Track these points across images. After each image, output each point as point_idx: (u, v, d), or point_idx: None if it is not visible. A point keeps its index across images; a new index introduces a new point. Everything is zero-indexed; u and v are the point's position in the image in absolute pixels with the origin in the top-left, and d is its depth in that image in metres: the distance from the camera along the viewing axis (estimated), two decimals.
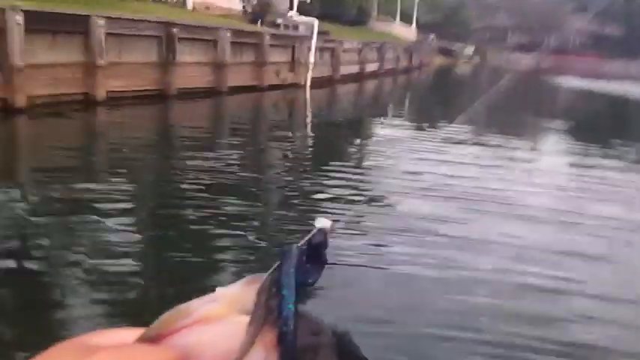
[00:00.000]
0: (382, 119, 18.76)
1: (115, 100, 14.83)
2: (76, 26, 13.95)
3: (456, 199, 8.98)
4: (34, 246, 6.25)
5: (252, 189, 9.11)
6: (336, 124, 17.21)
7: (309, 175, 10.51)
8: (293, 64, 22.86)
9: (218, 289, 0.59)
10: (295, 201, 8.51)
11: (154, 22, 16.58)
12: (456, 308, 5.48)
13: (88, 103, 14.22)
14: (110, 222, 6.90)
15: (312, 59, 23.05)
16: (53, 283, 5.52)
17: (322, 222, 0.61)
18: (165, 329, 0.56)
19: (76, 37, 14.04)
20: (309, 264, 0.58)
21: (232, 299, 0.58)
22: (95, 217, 7.02)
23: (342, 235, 7.40)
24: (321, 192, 9.07)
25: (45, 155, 10.16)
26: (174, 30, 16.98)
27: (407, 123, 17.85)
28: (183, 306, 0.57)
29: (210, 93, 18.48)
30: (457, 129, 15.65)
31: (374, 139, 15.06)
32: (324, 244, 0.59)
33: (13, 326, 4.74)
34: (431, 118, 17.47)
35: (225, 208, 7.62)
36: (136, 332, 0.56)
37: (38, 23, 12.81)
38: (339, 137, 14.93)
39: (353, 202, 8.84)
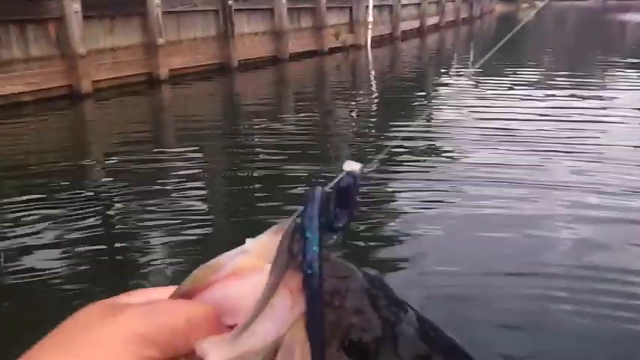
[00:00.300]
0: (447, 71, 18.27)
1: (178, 78, 14.92)
2: (133, 8, 14.02)
3: (527, 144, 8.64)
4: (114, 211, 6.52)
5: (321, 151, 9.00)
6: (400, 81, 16.85)
7: (376, 132, 10.34)
8: (352, 25, 22.48)
9: (248, 241, 0.56)
10: (365, 156, 8.33)
11: None
12: (526, 249, 5.32)
13: (151, 82, 14.36)
14: (186, 188, 7.02)
15: (370, 18, 22.57)
16: (132, 246, 5.68)
17: (351, 165, 0.58)
18: (197, 285, 0.55)
19: (133, 19, 14.15)
20: (337, 208, 0.55)
21: (262, 250, 0.55)
22: (171, 184, 7.20)
23: (415, 183, 7.40)
24: (387, 146, 8.89)
25: (116, 133, 10.33)
26: (230, 2, 16.89)
27: (471, 79, 17.30)
28: (213, 261, 0.56)
29: (271, 62, 18.40)
30: (524, 74, 15.09)
31: (440, 92, 14.67)
32: (353, 188, 0.56)
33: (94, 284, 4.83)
34: (496, 66, 16.82)
35: (294, 169, 7.57)
36: (168, 291, 0.56)
37: (95, 9, 12.93)
38: (405, 94, 14.58)
39: (423, 153, 8.66)
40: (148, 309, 0.53)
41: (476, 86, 14.59)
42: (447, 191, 6.94)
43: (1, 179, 7.81)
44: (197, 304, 0.54)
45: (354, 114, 12.44)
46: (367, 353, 0.54)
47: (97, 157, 9.24)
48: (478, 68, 15.44)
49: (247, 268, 0.56)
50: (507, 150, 8.47)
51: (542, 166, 7.63)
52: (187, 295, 0.55)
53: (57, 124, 11.34)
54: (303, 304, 0.51)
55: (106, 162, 8.69)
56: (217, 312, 0.54)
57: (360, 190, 0.57)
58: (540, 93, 13.08)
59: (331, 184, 0.57)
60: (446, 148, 9.03)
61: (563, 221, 5.82)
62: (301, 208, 0.52)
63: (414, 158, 8.36)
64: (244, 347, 0.51)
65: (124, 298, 0.55)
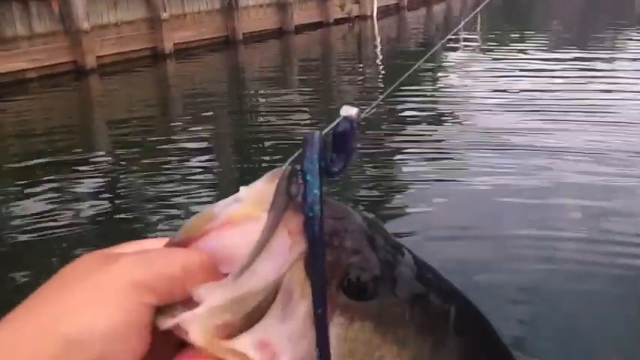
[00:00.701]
0: (453, 45, 18.09)
1: (183, 52, 14.87)
2: None
3: (538, 112, 8.58)
4: (123, 184, 6.55)
5: (326, 116, 8.99)
6: (406, 51, 16.72)
7: (380, 103, 10.28)
8: None
9: (242, 189, 0.56)
10: (369, 122, 8.34)
11: None
12: (540, 212, 5.34)
13: (156, 57, 14.32)
14: (193, 159, 7.07)
15: None
16: (138, 218, 5.73)
17: (347, 110, 0.57)
18: (191, 235, 0.55)
19: None
20: (334, 153, 0.55)
21: (256, 197, 0.55)
22: (177, 156, 7.22)
23: (421, 149, 7.35)
24: (394, 116, 8.88)
25: (122, 108, 10.33)
26: None
27: (480, 42, 17.14)
28: (208, 210, 0.55)
29: (276, 34, 18.25)
30: (534, 43, 14.92)
31: (448, 61, 14.53)
32: (350, 133, 0.56)
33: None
34: (505, 35, 16.68)
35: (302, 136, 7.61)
36: (162, 242, 0.56)
37: None
38: (411, 62, 14.47)
39: (431, 122, 8.63)
40: (143, 257, 0.53)
41: (483, 53, 14.48)
42: (452, 157, 6.95)
43: (7, 155, 7.85)
44: (192, 251, 0.54)
45: (359, 83, 12.38)
46: (366, 292, 0.54)
47: (103, 131, 9.27)
48: (486, 35, 15.30)
49: (241, 216, 0.55)
50: (515, 115, 8.45)
51: (551, 131, 7.57)
52: (181, 245, 0.54)
53: (62, 100, 11.36)
54: (302, 244, 0.51)
55: (112, 136, 8.72)
56: (213, 260, 0.54)
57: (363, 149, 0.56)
58: (549, 59, 12.95)
59: (329, 128, 0.56)
60: (452, 114, 9.01)
61: (573, 186, 5.79)
62: (297, 152, 0.52)
63: (420, 125, 8.35)
64: (244, 288, 0.51)
65: (118, 249, 0.55)
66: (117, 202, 6.14)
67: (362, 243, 0.56)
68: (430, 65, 13.69)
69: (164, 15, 14.32)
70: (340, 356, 0.54)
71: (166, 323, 0.51)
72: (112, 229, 5.47)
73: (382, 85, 12.14)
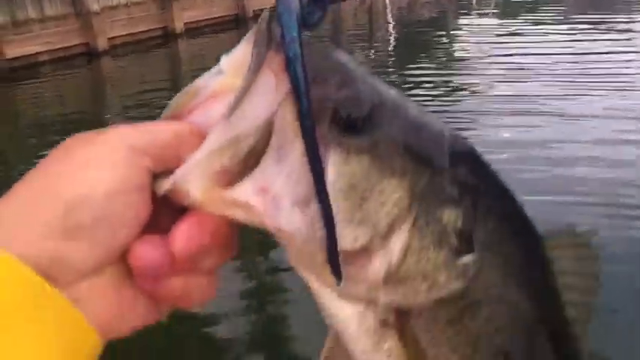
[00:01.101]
0: (467, 10, 17.91)
1: (194, 31, 14.85)
2: None
3: (554, 78, 8.49)
4: None
5: None
6: (418, 22, 16.58)
7: (395, 70, 10.26)
8: None
9: (223, 58, 0.56)
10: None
11: None
12: (549, 175, 5.39)
13: (166, 37, 14.31)
14: None
15: None
16: None
17: None
18: (178, 111, 0.55)
19: None
20: (309, 5, 0.53)
21: (237, 66, 0.54)
22: None
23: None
24: (407, 87, 8.85)
25: (135, 89, 10.34)
26: None
27: (494, 11, 16.96)
28: (191, 86, 0.56)
29: None
30: (549, 10, 14.72)
31: (461, 31, 14.39)
32: None
33: None
34: (518, 4, 16.46)
35: None
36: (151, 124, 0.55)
37: None
38: (424, 34, 14.38)
39: (445, 92, 8.59)
40: (138, 126, 0.54)
41: (497, 23, 14.32)
42: (467, 120, 6.98)
43: (22, 138, 7.94)
44: (183, 122, 0.55)
45: (372, 56, 12.33)
46: (358, 126, 0.55)
47: (118, 112, 9.31)
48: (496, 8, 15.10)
49: (225, 88, 0.55)
50: (528, 83, 8.39)
51: (565, 96, 7.54)
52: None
53: (75, 82, 11.42)
54: (287, 82, 0.51)
55: (127, 117, 8.75)
56: (202, 131, 0.54)
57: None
58: (563, 28, 12.77)
59: None
60: (465, 82, 8.97)
61: (587, 149, 5.79)
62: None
63: (434, 93, 8.33)
64: (237, 128, 0.52)
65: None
66: None
67: (349, 78, 0.55)
68: (441, 36, 13.60)
69: None
70: (340, 192, 0.54)
71: (164, 185, 0.52)
72: None
73: (394, 57, 12.09)
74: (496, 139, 6.31)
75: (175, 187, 0.52)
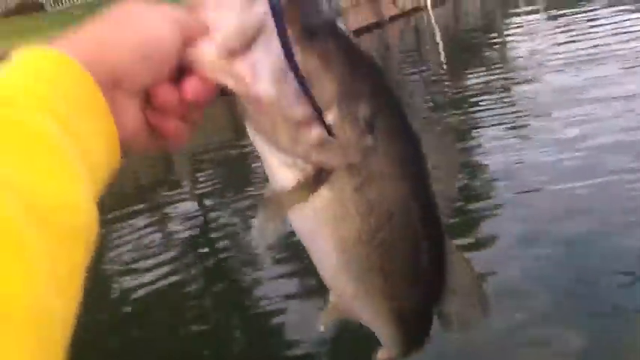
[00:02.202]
0: (515, 14, 17.68)
1: None
2: None
3: (610, 63, 8.41)
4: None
5: None
6: (467, 32, 16.49)
7: (448, 85, 10.21)
8: None
9: None
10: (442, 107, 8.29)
11: None
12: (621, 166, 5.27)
13: None
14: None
15: None
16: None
17: None
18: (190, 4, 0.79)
19: None
20: None
21: None
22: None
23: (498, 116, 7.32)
24: (466, 93, 8.81)
25: None
26: None
27: (542, 11, 16.69)
28: None
29: None
30: (601, 5, 14.38)
31: (511, 34, 14.21)
32: None
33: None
34: (569, 1, 16.12)
35: None
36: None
37: None
38: (475, 43, 14.28)
39: (505, 94, 8.52)
40: (176, 8, 0.77)
41: (549, 21, 14.11)
42: (533, 117, 6.99)
43: None
44: (196, 13, 0.77)
45: (425, 72, 12.31)
46: (316, 35, 0.80)
47: None
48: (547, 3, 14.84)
49: None
50: (590, 74, 8.25)
51: (630, 82, 7.42)
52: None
53: None
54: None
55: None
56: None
57: None
58: (624, 20, 12.46)
59: None
60: (525, 79, 8.89)
61: None
62: None
63: (494, 97, 8.28)
64: (243, 23, 0.75)
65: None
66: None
67: (318, 3, 0.82)
68: (492, 42, 13.46)
69: None
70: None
71: (188, 53, 0.75)
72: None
73: (445, 70, 12.03)
74: (566, 136, 6.20)
75: (194, 54, 0.75)
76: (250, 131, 0.83)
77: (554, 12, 15.08)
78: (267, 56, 0.76)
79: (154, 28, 0.72)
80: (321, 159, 0.82)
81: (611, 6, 13.45)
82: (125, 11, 0.74)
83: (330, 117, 0.80)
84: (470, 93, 9.17)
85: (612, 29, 10.78)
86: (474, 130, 7.32)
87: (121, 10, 0.74)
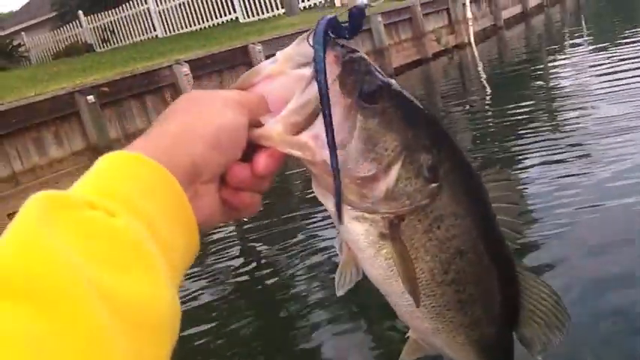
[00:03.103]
0: (560, 47, 17.52)
1: None
2: (237, 59, 14.57)
3: None
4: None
5: None
6: (511, 67, 16.36)
7: (494, 121, 10.11)
8: (452, 26, 22.16)
9: (277, 53, 0.87)
10: (491, 155, 8.19)
11: (305, 30, 16.78)
12: None
13: None
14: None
15: (469, 14, 22.17)
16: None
17: (361, 0, 0.89)
18: (243, 85, 0.86)
19: (239, 69, 14.66)
20: (347, 26, 0.89)
21: (286, 57, 0.86)
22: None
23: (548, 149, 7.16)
24: (511, 128, 8.72)
25: None
26: None
27: (588, 45, 16.52)
28: (254, 68, 0.87)
29: None
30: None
31: (555, 67, 14.07)
32: (360, 16, 0.90)
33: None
34: (613, 33, 15.94)
35: None
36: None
37: (200, 69, 13.59)
38: (519, 78, 14.14)
39: (552, 125, 8.42)
40: (235, 90, 0.85)
41: (593, 53, 13.94)
42: (585, 145, 6.95)
43: None
44: (245, 92, 0.85)
45: (468, 108, 12.24)
46: (373, 98, 0.87)
47: None
48: (592, 34, 14.69)
49: (276, 72, 0.86)
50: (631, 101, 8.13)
51: None
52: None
53: None
54: (335, 70, 0.85)
55: None
56: (260, 98, 0.85)
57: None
58: None
59: (344, 10, 0.89)
60: (570, 107, 8.98)
61: None
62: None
63: (540, 128, 8.24)
64: (307, 96, 0.83)
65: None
66: None
67: (369, 70, 0.89)
68: (536, 76, 13.33)
69: None
70: (362, 140, 0.86)
71: (255, 131, 0.82)
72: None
73: (490, 103, 11.94)
74: (619, 163, 6.08)
75: (263, 132, 0.82)
76: (318, 192, 0.91)
77: (599, 45, 14.92)
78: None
79: (221, 115, 0.78)
80: (390, 209, 0.89)
81: None
82: (190, 102, 0.80)
83: (395, 171, 0.88)
84: (514, 122, 9.10)
85: None
86: (519, 158, 7.26)
87: (185, 101, 0.80)
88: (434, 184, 0.90)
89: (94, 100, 11.31)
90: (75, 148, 11.32)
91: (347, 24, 0.88)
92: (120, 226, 0.59)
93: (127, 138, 12.08)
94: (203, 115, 0.77)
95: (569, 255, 4.73)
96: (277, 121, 0.82)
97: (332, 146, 0.82)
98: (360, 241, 0.91)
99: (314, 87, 0.82)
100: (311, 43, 0.84)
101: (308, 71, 0.84)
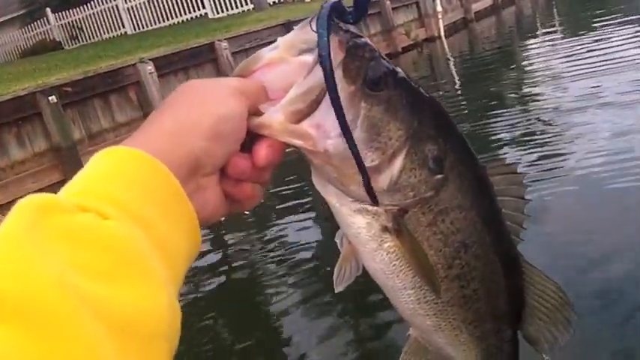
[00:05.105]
0: (532, 38, 17.60)
1: None
2: (203, 56, 14.46)
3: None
4: None
5: None
6: (483, 60, 16.41)
7: (468, 112, 10.14)
8: (421, 19, 22.15)
9: (278, 39, 0.84)
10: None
11: (272, 26, 16.73)
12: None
13: None
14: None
15: (439, 8, 22.16)
16: None
17: None
18: (243, 72, 0.83)
19: (206, 66, 14.57)
20: (351, 11, 0.84)
21: (288, 45, 0.83)
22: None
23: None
24: (479, 106, 8.79)
25: None
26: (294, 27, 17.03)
27: (560, 34, 16.63)
28: (254, 55, 0.84)
29: None
30: (622, 22, 14.31)
31: (529, 61, 14.13)
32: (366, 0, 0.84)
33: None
34: (586, 22, 16.04)
35: None
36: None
37: (166, 67, 13.45)
38: (491, 71, 14.20)
39: (525, 116, 8.50)
40: (208, 80, 0.81)
41: (566, 44, 14.06)
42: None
43: None
44: (246, 79, 0.82)
45: (438, 94, 12.29)
46: (379, 85, 0.84)
47: None
48: (565, 23, 14.83)
49: (277, 59, 0.83)
50: (609, 88, 8.41)
51: None
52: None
53: None
54: (339, 56, 0.82)
55: None
56: (260, 86, 0.82)
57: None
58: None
59: None
60: (537, 90, 9.26)
61: None
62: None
63: (507, 104, 8.35)
64: (310, 82, 0.80)
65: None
66: None
67: (375, 55, 0.85)
68: (510, 68, 13.39)
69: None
70: (366, 128, 0.83)
71: (255, 120, 0.79)
72: None
73: (460, 92, 11.99)
74: (590, 142, 6.38)
75: (263, 121, 0.79)
76: (318, 184, 0.88)
77: (570, 33, 15.03)
78: (332, 113, 0.79)
79: (220, 105, 0.76)
80: (393, 201, 0.86)
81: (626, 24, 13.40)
82: (189, 92, 0.78)
83: (399, 161, 0.85)
84: (483, 105, 9.22)
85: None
86: (491, 137, 7.41)
87: (184, 91, 0.78)
88: (439, 176, 0.88)
89: (56, 101, 11.14)
90: (37, 150, 11.15)
91: (351, 8, 0.85)
92: (111, 229, 0.58)
93: (92, 138, 11.96)
94: (203, 105, 0.74)
95: (547, 232, 4.78)
96: (278, 110, 0.79)
97: (346, 130, 0.79)
98: (362, 234, 0.89)
99: (316, 73, 0.79)
100: (314, 28, 0.80)
101: (309, 58, 0.81)
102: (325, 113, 0.80)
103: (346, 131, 0.79)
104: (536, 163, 6.59)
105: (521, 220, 1.01)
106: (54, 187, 11.04)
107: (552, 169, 6.21)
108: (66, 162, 11.05)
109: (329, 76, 0.77)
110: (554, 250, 4.56)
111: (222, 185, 0.78)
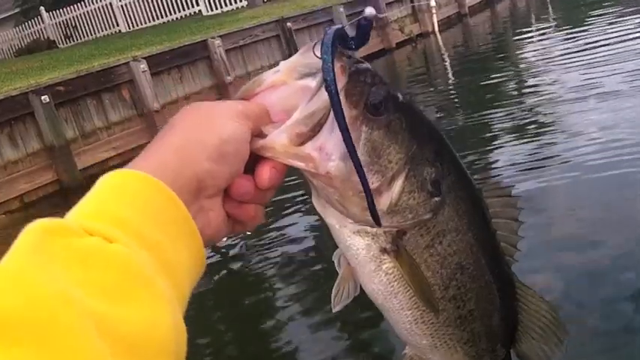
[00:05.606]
0: (527, 32, 17.58)
1: None
2: (197, 54, 14.42)
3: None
4: None
5: None
6: (477, 55, 16.38)
7: (460, 104, 10.15)
8: (415, 15, 22.11)
9: (280, 63, 0.86)
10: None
11: (266, 23, 16.71)
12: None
13: None
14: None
15: (433, 2, 22.09)
16: None
17: (369, 11, 0.85)
18: (245, 95, 0.85)
19: (199, 64, 14.54)
20: (353, 37, 0.86)
21: (289, 68, 0.85)
22: None
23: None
24: (473, 99, 8.81)
25: None
26: (289, 24, 17.03)
27: (555, 27, 16.62)
28: (256, 78, 0.85)
29: None
30: (617, 14, 14.29)
31: (524, 54, 14.10)
32: (369, 26, 0.86)
33: None
34: (580, 13, 16.03)
35: None
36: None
37: (159, 65, 13.42)
38: (485, 65, 14.18)
39: (520, 110, 8.52)
40: (237, 100, 0.83)
41: (561, 37, 14.05)
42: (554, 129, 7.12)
43: None
44: (248, 102, 0.83)
45: (434, 95, 12.29)
46: (379, 110, 0.85)
47: None
48: (559, 18, 14.83)
49: (279, 82, 0.84)
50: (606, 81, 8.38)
51: None
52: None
53: None
54: (342, 81, 0.82)
55: None
56: (263, 108, 0.83)
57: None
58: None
59: (353, 21, 0.86)
60: (533, 81, 9.26)
61: None
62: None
63: (502, 96, 8.36)
64: (313, 106, 0.81)
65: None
66: None
67: (376, 81, 0.86)
68: (503, 62, 13.38)
69: (228, 78, 14.66)
70: (367, 151, 0.84)
71: (258, 142, 0.80)
72: None
73: (454, 85, 11.98)
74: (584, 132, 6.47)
75: (267, 143, 0.80)
76: (318, 205, 0.90)
77: (564, 26, 15.03)
78: (334, 136, 0.81)
79: (224, 127, 0.76)
80: (392, 223, 0.88)
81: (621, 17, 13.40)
82: (193, 114, 0.78)
83: (399, 184, 0.87)
84: (477, 100, 9.22)
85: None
86: (485, 131, 7.42)
87: (188, 113, 0.79)
88: (437, 198, 0.90)
89: (48, 100, 11.11)
90: (30, 150, 11.12)
91: (354, 34, 0.87)
92: (117, 252, 0.59)
93: (85, 137, 11.94)
94: (206, 127, 0.75)
95: (541, 222, 4.82)
96: (282, 132, 0.81)
97: (352, 151, 0.80)
98: (361, 255, 0.91)
99: (320, 97, 0.81)
100: (317, 53, 0.81)
101: (312, 82, 0.83)
102: (328, 136, 0.81)
103: (353, 154, 0.80)
104: (530, 153, 6.67)
105: (515, 242, 1.03)
106: (47, 187, 10.96)
107: (546, 158, 6.30)
108: (59, 161, 11.04)
109: (335, 100, 0.78)
110: (549, 237, 4.59)
111: (225, 206, 0.79)
